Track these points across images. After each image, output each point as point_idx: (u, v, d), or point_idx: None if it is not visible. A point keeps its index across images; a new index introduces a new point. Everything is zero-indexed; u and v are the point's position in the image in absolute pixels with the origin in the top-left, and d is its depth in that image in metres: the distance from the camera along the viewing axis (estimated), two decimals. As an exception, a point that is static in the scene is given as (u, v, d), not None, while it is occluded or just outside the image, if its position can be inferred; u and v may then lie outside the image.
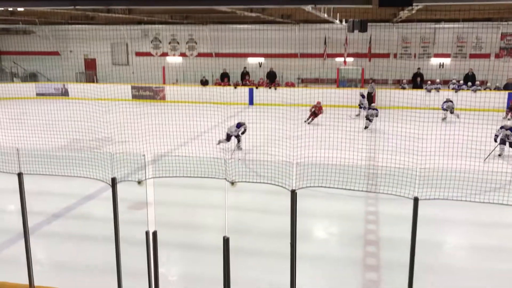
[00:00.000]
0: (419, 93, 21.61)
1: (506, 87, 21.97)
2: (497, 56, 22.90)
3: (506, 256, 7.39)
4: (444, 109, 18.57)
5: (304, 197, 5.74)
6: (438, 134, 15.55)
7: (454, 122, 16.41)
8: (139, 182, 5.80)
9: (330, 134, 15.36)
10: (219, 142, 13.55)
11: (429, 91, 22.02)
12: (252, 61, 25.79)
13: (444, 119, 18.52)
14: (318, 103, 17.81)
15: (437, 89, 22.08)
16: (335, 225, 9.03)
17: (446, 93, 21.10)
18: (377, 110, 16.67)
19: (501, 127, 12.60)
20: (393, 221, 8.58)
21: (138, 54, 26.93)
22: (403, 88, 22.95)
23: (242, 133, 13.71)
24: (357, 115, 19.55)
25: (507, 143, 12.60)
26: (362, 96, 20.13)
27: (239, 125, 13.79)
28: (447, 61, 23.75)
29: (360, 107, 19.73)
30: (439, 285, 6.45)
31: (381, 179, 10.51)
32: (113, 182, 4.53)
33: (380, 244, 7.80)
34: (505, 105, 20.67)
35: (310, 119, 17.75)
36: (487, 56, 22.96)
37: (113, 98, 19.90)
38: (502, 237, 8.09)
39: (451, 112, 18.29)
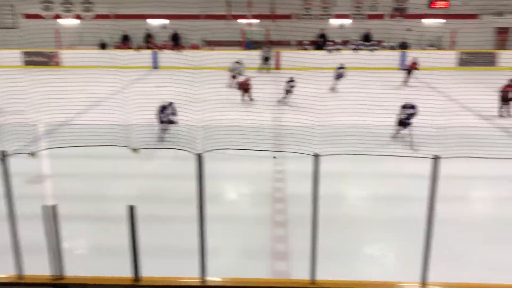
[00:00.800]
0: (321, 53, 22.26)
1: (401, 46, 23.31)
2: (391, 16, 24.15)
3: (403, 203, 7.96)
4: (336, 78, 17.12)
5: (212, 160, 5.72)
6: (338, 92, 16.25)
7: (352, 80, 16.99)
8: (32, 154, 5.37)
9: (236, 97, 15.45)
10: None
11: (330, 51, 22.77)
12: (155, 22, 24.83)
13: (333, 89, 16.99)
14: (247, 79, 15.61)
15: (338, 49, 22.90)
16: (244, 185, 9.18)
17: (346, 53, 21.97)
18: (293, 81, 14.79)
19: (403, 107, 11.14)
20: (300, 178, 8.86)
21: (27, 16, 24.71)
22: (305, 49, 23.51)
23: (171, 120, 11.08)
24: (230, 86, 17.32)
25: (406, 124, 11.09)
26: (238, 63, 18.20)
27: (163, 109, 11.07)
28: (346, 21, 24.62)
29: (234, 77, 17.54)
30: (343, 234, 6.86)
31: (286, 139, 10.82)
32: (3, 156, 4.17)
33: (287, 201, 8.09)
34: (399, 63, 22.08)
35: (243, 95, 15.45)
36: (382, 16, 24.13)
37: (0, 65, 18.22)
38: (398, 187, 8.73)
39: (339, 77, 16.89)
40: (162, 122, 11.02)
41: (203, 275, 4.32)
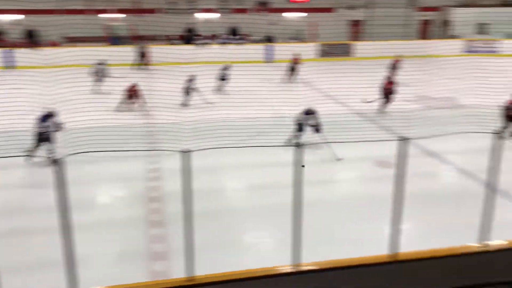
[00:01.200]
0: (190, 48, 22.16)
1: (266, 39, 24.13)
2: (256, 10, 24.91)
3: (277, 191, 8.19)
4: (220, 79, 16.22)
5: (77, 163, 5.38)
6: (208, 87, 16.27)
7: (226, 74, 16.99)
8: None
9: (106, 97, 14.70)
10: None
11: (199, 45, 22.78)
12: (6, 18, 22.62)
13: (219, 90, 16.17)
14: (134, 85, 13.94)
15: (206, 44, 22.99)
16: (115, 188, 8.78)
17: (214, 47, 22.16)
18: (194, 80, 13.94)
19: (306, 113, 10.33)
20: (176, 176, 8.75)
21: None
22: (173, 43, 23.24)
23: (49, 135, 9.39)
24: (95, 91, 15.91)
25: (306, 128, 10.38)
26: (101, 64, 16.72)
27: (45, 118, 9.45)
28: (214, 16, 24.83)
29: (99, 80, 16.31)
30: (220, 227, 6.91)
31: (158, 136, 10.60)
32: None
33: (164, 200, 7.91)
34: (264, 56, 22.95)
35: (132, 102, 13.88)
36: (246, 11, 24.78)
37: None
38: (271, 175, 8.93)
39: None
40: (40, 132, 9.36)
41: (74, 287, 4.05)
